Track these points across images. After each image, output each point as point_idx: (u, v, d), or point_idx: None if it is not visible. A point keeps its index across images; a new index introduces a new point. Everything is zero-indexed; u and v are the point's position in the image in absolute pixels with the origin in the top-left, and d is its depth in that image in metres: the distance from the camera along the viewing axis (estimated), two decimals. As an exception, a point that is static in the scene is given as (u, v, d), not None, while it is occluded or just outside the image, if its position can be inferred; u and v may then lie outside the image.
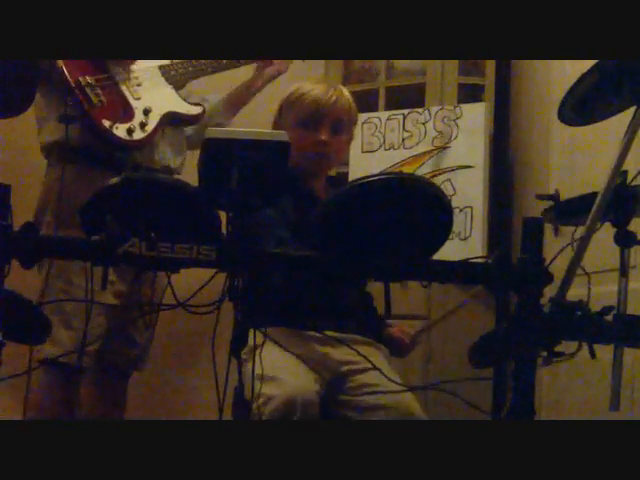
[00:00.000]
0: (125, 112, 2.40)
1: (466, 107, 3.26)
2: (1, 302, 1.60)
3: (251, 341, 2.10)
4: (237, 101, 2.80)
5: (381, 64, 3.60)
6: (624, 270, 1.85)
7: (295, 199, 2.18)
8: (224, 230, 1.66)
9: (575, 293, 1.74)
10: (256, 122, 2.82)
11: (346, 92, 2.37)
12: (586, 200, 1.79)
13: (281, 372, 2.01)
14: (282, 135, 1.69)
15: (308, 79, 2.82)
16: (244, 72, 2.80)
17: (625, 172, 1.84)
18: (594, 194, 1.75)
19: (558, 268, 1.72)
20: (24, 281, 1.71)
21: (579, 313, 1.69)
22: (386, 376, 2.00)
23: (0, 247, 1.59)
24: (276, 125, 2.35)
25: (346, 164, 3.22)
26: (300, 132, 2.27)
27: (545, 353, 1.69)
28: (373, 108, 3.48)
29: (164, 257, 1.62)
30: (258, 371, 1.90)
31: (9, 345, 1.62)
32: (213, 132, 1.69)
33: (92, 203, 1.67)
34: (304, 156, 2.27)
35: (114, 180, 1.64)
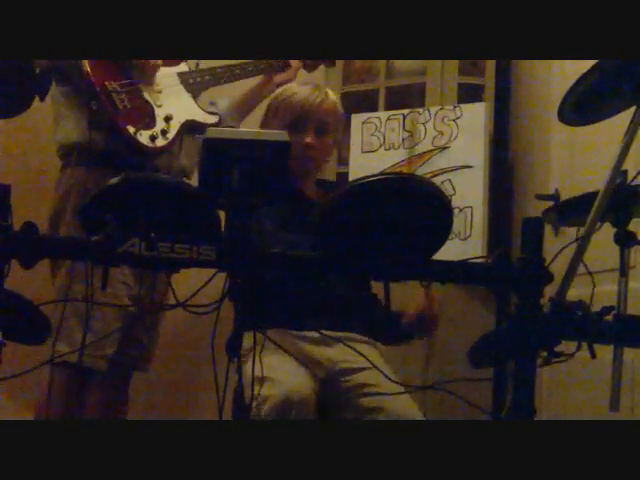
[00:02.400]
0: (148, 119, 2.41)
1: (466, 107, 3.26)
2: (1, 302, 1.60)
3: (246, 341, 2.10)
4: (245, 107, 2.82)
5: (381, 64, 3.60)
6: (624, 270, 1.85)
7: (285, 200, 2.18)
8: (224, 230, 1.66)
9: (575, 293, 1.74)
10: (255, 122, 2.83)
11: (332, 94, 2.41)
12: (586, 199, 1.79)
13: (276, 373, 2.02)
14: (282, 135, 1.69)
15: (301, 80, 2.85)
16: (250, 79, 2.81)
17: (625, 172, 1.84)
18: (595, 193, 1.75)
19: (558, 268, 1.72)
20: (24, 281, 1.71)
21: (579, 313, 1.68)
22: (385, 375, 2.01)
23: (0, 247, 1.59)
24: (263, 126, 2.37)
25: (346, 164, 3.22)
26: None
27: (545, 353, 1.69)
28: (373, 108, 3.48)
29: (164, 257, 1.62)
30: (256, 372, 1.90)
31: (9, 345, 1.62)
32: (213, 132, 1.69)
33: (92, 203, 1.67)
34: (292, 160, 2.29)
35: (114, 180, 1.64)
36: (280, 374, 2.03)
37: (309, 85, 2.41)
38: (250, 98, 2.82)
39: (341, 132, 2.48)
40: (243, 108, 2.81)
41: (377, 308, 2.36)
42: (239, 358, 2.03)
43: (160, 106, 2.47)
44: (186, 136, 2.58)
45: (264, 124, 2.38)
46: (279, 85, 2.79)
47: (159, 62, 2.50)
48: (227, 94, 2.80)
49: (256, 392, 1.93)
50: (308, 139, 2.32)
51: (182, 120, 2.50)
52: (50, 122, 2.59)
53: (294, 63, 2.80)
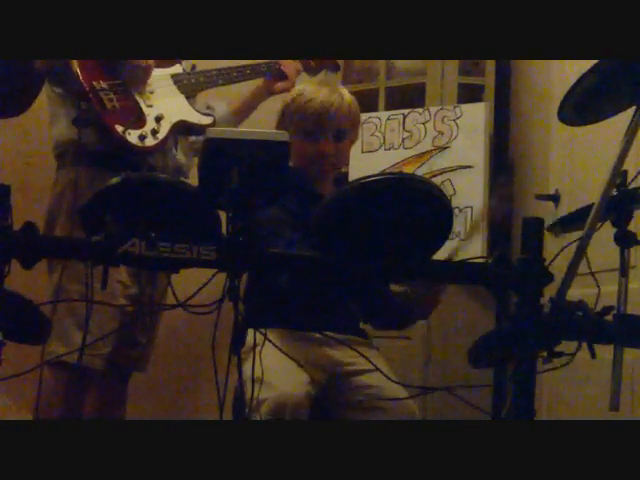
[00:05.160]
0: (137, 118, 2.41)
1: (466, 107, 3.24)
2: (1, 302, 1.60)
3: (249, 340, 2.10)
4: (244, 111, 2.82)
5: (381, 64, 3.60)
6: (624, 270, 1.85)
7: (303, 201, 2.18)
8: (224, 230, 1.66)
9: (575, 293, 1.74)
10: (255, 122, 2.83)
11: (347, 95, 2.36)
12: (588, 211, 1.78)
13: (272, 375, 2.01)
14: (282, 135, 1.69)
15: (307, 79, 2.84)
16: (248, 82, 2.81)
17: (625, 172, 1.84)
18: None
19: (558, 268, 1.72)
20: (24, 281, 1.71)
21: (579, 313, 1.68)
22: (387, 376, 2.01)
23: (0, 247, 1.59)
24: (279, 128, 2.33)
25: (346, 164, 3.22)
26: (303, 142, 2.28)
27: (545, 353, 1.69)
28: (373, 108, 3.48)
29: (164, 257, 1.62)
30: (256, 372, 1.90)
31: (9, 345, 1.62)
32: (213, 132, 1.69)
33: (92, 203, 1.67)
34: (309, 165, 2.29)
35: (114, 180, 1.64)
36: (274, 377, 2.01)
37: (324, 88, 2.35)
38: (248, 102, 2.82)
39: (358, 130, 2.45)
40: (240, 112, 2.81)
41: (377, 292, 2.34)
42: (239, 358, 2.04)
43: (151, 106, 2.47)
44: (181, 136, 2.58)
45: (280, 127, 2.32)
46: (279, 92, 2.78)
47: (151, 64, 2.49)
48: (224, 97, 2.80)
49: (255, 393, 1.93)
50: (326, 148, 2.30)
51: (173, 120, 2.49)
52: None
53: (291, 72, 2.79)
